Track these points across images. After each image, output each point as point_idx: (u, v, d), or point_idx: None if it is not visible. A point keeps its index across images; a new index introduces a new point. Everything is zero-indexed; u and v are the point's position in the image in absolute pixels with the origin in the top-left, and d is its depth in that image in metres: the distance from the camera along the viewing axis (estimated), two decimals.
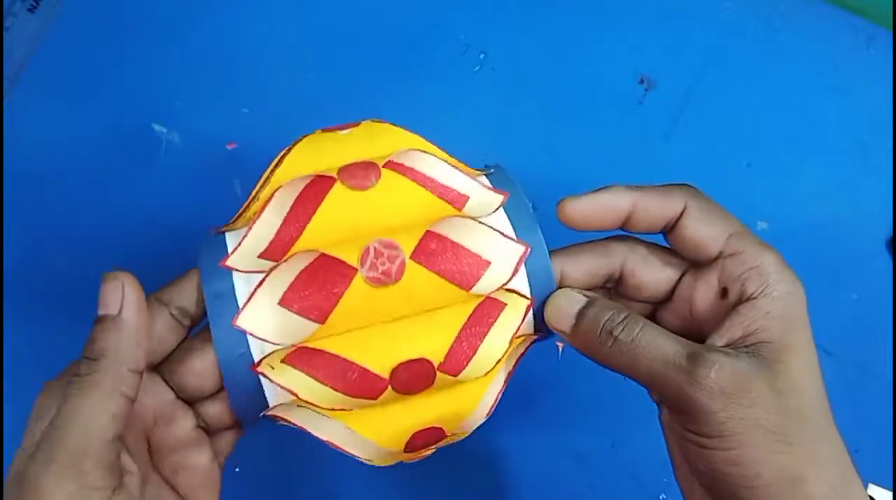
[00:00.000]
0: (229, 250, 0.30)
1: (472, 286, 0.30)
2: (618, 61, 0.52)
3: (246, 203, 0.31)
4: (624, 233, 0.33)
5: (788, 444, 0.27)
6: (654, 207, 0.31)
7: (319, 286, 0.28)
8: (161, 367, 0.30)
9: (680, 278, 0.32)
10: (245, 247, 0.30)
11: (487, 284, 0.30)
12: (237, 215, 0.31)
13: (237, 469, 0.44)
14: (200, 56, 0.51)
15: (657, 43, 0.52)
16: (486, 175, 0.34)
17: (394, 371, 0.29)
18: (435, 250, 0.29)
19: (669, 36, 0.53)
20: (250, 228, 0.30)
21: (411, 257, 0.29)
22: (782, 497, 0.26)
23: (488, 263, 0.30)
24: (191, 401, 0.31)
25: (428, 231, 0.30)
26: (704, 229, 0.30)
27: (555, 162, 0.50)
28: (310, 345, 0.29)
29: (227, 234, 0.31)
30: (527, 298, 0.31)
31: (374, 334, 0.29)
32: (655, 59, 0.52)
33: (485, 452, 0.46)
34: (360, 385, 0.29)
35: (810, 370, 0.28)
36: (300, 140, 0.32)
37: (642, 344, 0.28)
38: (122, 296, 0.27)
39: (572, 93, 0.51)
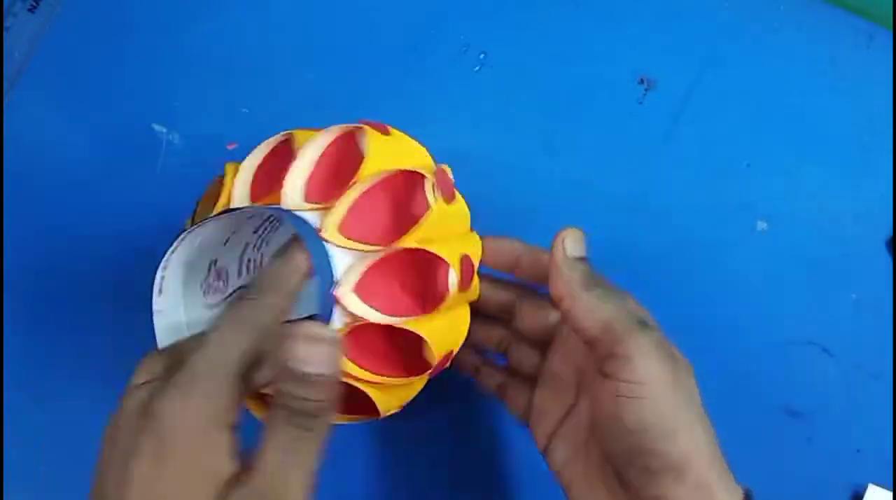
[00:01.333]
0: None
1: None
2: (618, 61, 0.52)
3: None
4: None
5: (690, 418, 0.33)
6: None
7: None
8: None
9: None
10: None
11: None
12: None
13: None
14: (200, 56, 0.51)
15: (657, 43, 0.52)
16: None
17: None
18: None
19: (669, 36, 0.53)
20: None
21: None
22: (685, 468, 0.32)
23: None
24: None
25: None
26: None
27: (555, 162, 0.50)
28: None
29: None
30: None
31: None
32: (655, 59, 0.52)
33: (485, 452, 0.46)
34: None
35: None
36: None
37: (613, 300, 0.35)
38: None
39: (572, 93, 0.51)
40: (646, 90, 0.52)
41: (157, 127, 0.49)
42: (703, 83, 0.52)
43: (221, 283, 0.36)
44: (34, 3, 0.51)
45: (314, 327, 0.28)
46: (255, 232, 0.38)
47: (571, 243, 0.36)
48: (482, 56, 0.52)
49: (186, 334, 0.33)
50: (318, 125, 0.50)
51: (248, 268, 0.38)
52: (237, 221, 0.35)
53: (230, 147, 0.49)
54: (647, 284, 0.49)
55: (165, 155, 0.49)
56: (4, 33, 0.50)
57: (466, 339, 0.38)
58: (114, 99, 0.50)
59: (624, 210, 0.50)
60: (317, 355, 0.28)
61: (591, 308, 0.34)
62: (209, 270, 0.36)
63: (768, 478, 0.46)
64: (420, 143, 0.38)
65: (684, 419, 0.32)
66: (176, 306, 0.34)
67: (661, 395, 0.32)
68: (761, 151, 0.51)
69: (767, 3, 0.53)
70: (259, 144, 0.36)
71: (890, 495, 0.46)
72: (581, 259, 0.36)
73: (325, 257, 0.32)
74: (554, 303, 0.36)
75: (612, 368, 0.33)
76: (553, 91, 0.51)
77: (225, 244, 0.36)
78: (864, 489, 0.46)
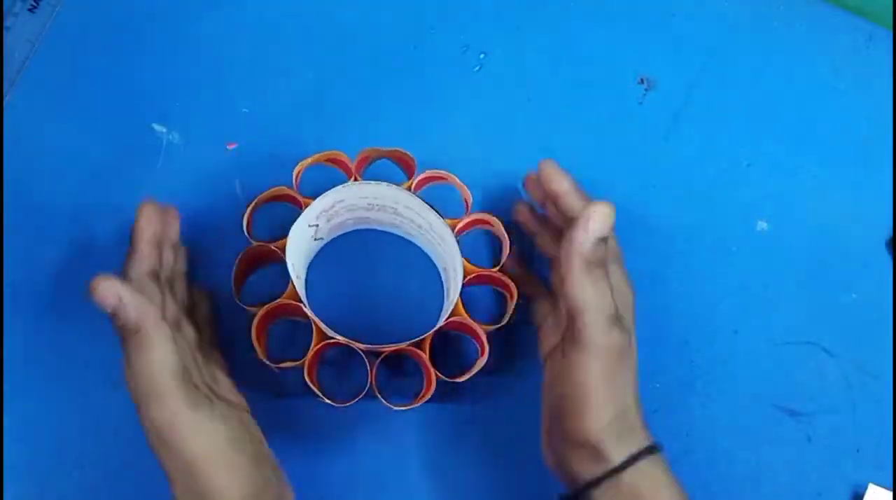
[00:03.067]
0: None
1: None
2: (618, 61, 0.52)
3: None
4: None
5: (605, 403, 0.37)
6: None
7: None
8: None
9: None
10: None
11: None
12: None
13: None
14: (200, 56, 0.51)
15: (657, 43, 0.53)
16: None
17: None
18: None
19: (669, 36, 0.53)
20: None
21: None
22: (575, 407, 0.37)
23: None
24: None
25: None
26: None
27: None
28: None
29: None
30: None
31: None
32: (655, 59, 0.52)
33: (484, 452, 0.46)
34: None
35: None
36: None
37: (612, 283, 0.39)
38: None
39: (572, 93, 0.51)
40: (646, 90, 0.52)
41: (157, 127, 0.49)
42: (703, 83, 0.52)
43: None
44: (34, 3, 0.51)
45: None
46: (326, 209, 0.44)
47: (596, 222, 0.37)
48: (482, 56, 0.52)
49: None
50: (317, 125, 0.50)
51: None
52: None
53: (230, 147, 0.49)
54: (648, 283, 0.49)
55: (165, 155, 0.49)
56: (4, 33, 0.50)
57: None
58: (114, 99, 0.50)
59: (624, 210, 0.50)
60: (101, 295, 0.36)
61: (577, 288, 0.37)
62: None
63: (768, 478, 0.47)
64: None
65: (598, 405, 0.37)
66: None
67: (588, 384, 0.37)
68: (761, 151, 0.51)
69: (767, 3, 0.53)
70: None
71: (890, 495, 0.46)
72: (601, 239, 0.37)
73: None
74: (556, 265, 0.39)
75: (568, 346, 0.38)
76: (553, 91, 0.52)
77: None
78: (864, 489, 0.46)
